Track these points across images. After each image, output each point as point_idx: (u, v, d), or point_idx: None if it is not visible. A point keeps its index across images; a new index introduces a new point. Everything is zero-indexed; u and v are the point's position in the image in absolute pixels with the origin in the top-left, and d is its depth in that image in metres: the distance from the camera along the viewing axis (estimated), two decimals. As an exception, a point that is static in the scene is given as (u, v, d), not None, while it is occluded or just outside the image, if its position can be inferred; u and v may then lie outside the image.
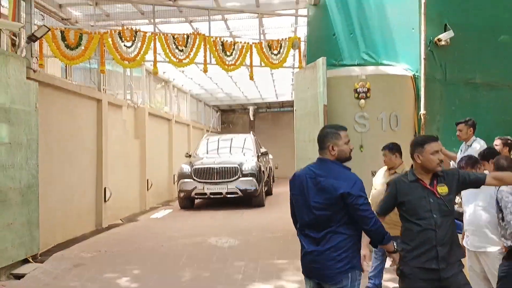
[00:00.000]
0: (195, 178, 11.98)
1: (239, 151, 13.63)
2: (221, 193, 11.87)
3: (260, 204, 12.24)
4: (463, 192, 4.55)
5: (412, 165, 3.55)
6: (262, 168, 12.93)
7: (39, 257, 7.05)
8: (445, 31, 7.37)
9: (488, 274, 4.42)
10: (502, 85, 7.65)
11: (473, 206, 4.43)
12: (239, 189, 11.80)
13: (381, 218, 3.54)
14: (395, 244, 3.41)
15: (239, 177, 11.90)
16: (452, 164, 5.89)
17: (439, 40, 7.38)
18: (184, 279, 6.14)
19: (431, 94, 7.41)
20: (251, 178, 11.93)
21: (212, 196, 12.00)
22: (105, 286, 5.92)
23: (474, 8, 7.62)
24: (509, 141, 5.48)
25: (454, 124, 7.01)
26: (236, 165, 12.06)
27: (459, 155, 5.83)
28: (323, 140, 3.35)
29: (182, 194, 12.19)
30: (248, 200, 12.10)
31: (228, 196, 11.87)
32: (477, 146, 5.61)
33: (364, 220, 3.15)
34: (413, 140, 3.68)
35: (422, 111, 7.32)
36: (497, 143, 5.53)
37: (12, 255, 6.44)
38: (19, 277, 6.31)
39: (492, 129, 5.99)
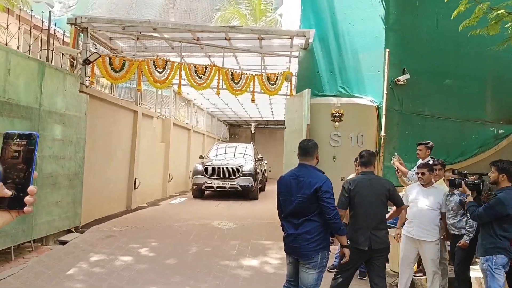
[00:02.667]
0: (205, 175, 11.85)
1: (241, 156, 13.47)
2: (225, 187, 11.74)
3: (255, 198, 12.10)
4: (413, 191, 4.54)
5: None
6: (258, 170, 12.77)
7: (80, 229, 6.91)
8: (403, 74, 7.37)
9: (426, 258, 4.41)
10: (444, 117, 7.60)
11: (422, 204, 4.41)
12: (239, 185, 11.67)
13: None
14: (348, 241, 3.35)
15: (239, 176, 11.76)
16: (409, 177, 5.74)
17: (398, 80, 7.36)
18: (191, 252, 6.00)
19: (390, 120, 7.36)
20: (249, 177, 11.80)
21: (218, 189, 11.89)
22: (129, 254, 5.78)
23: (427, 58, 7.62)
24: (430, 145, 5.53)
25: (407, 144, 6.97)
26: (237, 167, 11.92)
27: (414, 169, 5.71)
28: (311, 149, 3.39)
29: (195, 187, 12.07)
30: (245, 194, 11.95)
31: (230, 190, 11.74)
32: None
33: (326, 210, 3.16)
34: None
35: (383, 133, 7.26)
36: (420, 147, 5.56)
37: (58, 225, 6.31)
38: (63, 243, 6.18)
39: (435, 149, 5.87)
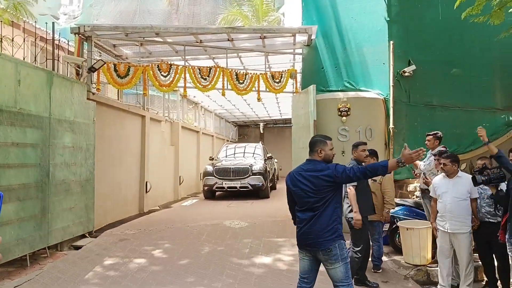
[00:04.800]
0: (216, 175, 11.85)
1: (250, 155, 13.45)
2: (235, 187, 11.73)
3: (266, 196, 12.04)
4: (439, 183, 4.50)
5: None
6: (268, 169, 12.75)
7: (94, 233, 6.99)
8: (409, 65, 7.34)
9: (460, 249, 4.41)
10: (454, 107, 7.53)
11: (451, 197, 4.38)
12: (250, 184, 11.63)
13: None
14: (397, 160, 3.20)
15: (249, 175, 11.72)
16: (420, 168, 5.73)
17: (404, 72, 7.32)
18: (204, 252, 6.03)
19: (398, 113, 7.32)
20: (259, 176, 11.76)
21: (229, 189, 11.90)
22: (143, 256, 5.82)
23: (433, 48, 7.57)
24: (439, 135, 5.58)
25: (417, 136, 6.92)
26: (247, 166, 11.91)
27: (424, 160, 5.68)
28: (314, 145, 3.40)
29: (206, 188, 12.08)
30: (256, 193, 11.95)
31: (241, 189, 11.71)
32: None
33: (353, 179, 3.23)
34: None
35: (391, 126, 7.22)
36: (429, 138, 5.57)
37: (72, 231, 6.40)
38: (77, 247, 6.26)
39: (445, 139, 5.82)
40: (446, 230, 4.44)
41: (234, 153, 13.83)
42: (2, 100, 4.96)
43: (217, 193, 12.53)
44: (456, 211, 4.36)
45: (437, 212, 4.64)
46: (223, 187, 11.86)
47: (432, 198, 4.85)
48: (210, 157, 13.94)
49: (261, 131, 23.72)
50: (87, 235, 6.78)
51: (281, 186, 15.18)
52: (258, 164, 12.18)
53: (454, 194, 4.39)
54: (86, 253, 5.98)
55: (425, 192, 5.62)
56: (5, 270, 5.06)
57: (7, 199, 4.94)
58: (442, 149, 5.42)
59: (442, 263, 4.57)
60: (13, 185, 5.08)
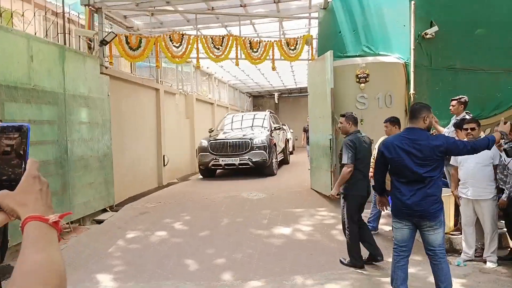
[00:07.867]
0: (211, 151, 10.07)
1: (256, 126, 11.47)
2: (234, 164, 9.96)
3: (271, 174, 10.22)
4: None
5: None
6: (275, 141, 10.91)
7: (114, 207, 7.13)
8: (431, 27, 6.96)
9: (484, 216, 4.34)
10: (478, 69, 7.18)
11: (473, 163, 4.27)
12: (251, 161, 9.83)
13: None
14: (501, 134, 3.28)
15: (250, 150, 9.91)
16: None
17: (426, 34, 6.96)
18: (223, 223, 6.08)
19: (419, 77, 7.03)
20: (261, 150, 9.94)
21: (226, 167, 10.13)
22: (164, 228, 5.91)
23: (456, 7, 7.14)
24: (463, 99, 5.41)
25: (439, 101, 6.67)
26: (247, 139, 10.09)
27: (448, 127, 5.52)
28: (419, 112, 3.28)
29: (201, 166, 10.35)
30: (260, 170, 10.12)
31: (241, 166, 9.96)
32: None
33: (464, 152, 3.31)
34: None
35: (412, 91, 6.96)
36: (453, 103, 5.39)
37: (94, 205, 6.53)
38: (99, 222, 6.40)
39: (469, 104, 5.60)
40: (468, 197, 4.36)
41: (234, 124, 11.89)
42: (16, 77, 4.94)
43: (222, 171, 10.95)
44: (479, 177, 4.30)
45: (458, 180, 4.54)
46: (220, 165, 10.05)
47: (452, 167, 4.73)
48: (210, 129, 12.02)
49: (276, 101, 23.49)
50: (108, 209, 6.92)
51: (298, 159, 14.69)
52: (261, 137, 10.33)
53: (477, 160, 4.27)
54: (108, 227, 6.11)
55: (448, 159, 5.49)
56: (31, 245, 5.21)
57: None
58: (467, 116, 5.22)
59: (466, 231, 4.52)
60: (33, 162, 5.14)
